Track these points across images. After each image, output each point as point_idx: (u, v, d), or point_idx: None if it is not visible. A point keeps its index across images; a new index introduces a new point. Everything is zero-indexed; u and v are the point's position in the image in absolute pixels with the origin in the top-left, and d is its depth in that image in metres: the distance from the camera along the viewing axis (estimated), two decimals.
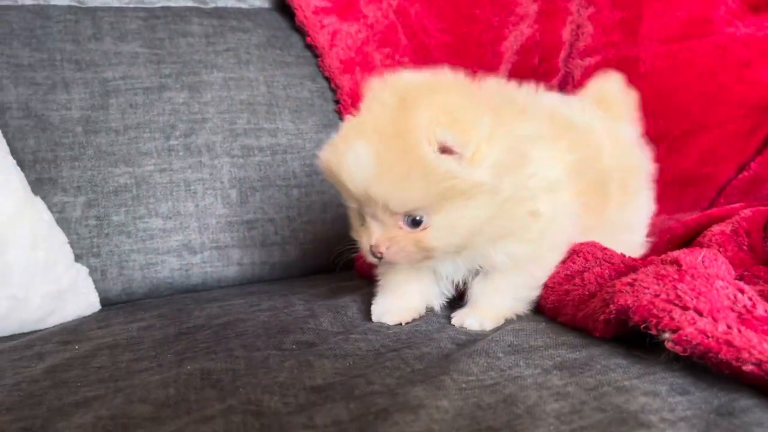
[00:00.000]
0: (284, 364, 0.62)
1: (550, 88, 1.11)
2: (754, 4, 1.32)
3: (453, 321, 0.76)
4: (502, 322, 0.75)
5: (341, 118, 1.24)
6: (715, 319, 0.53)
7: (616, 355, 0.59)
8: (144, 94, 1.15)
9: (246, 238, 1.13)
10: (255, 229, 1.14)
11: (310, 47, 1.33)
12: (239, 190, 1.15)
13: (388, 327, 0.75)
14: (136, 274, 1.07)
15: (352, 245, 0.76)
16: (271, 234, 1.15)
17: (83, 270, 1.01)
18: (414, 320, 0.77)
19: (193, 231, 1.11)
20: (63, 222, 1.03)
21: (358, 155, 0.66)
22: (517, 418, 0.49)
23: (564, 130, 0.82)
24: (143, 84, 1.15)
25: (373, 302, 0.80)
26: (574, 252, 0.79)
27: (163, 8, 1.27)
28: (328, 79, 1.31)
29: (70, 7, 1.20)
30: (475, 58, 1.41)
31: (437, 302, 0.81)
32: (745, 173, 1.26)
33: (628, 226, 0.95)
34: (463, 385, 0.55)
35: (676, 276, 0.61)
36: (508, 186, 0.68)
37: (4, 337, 0.87)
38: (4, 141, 0.98)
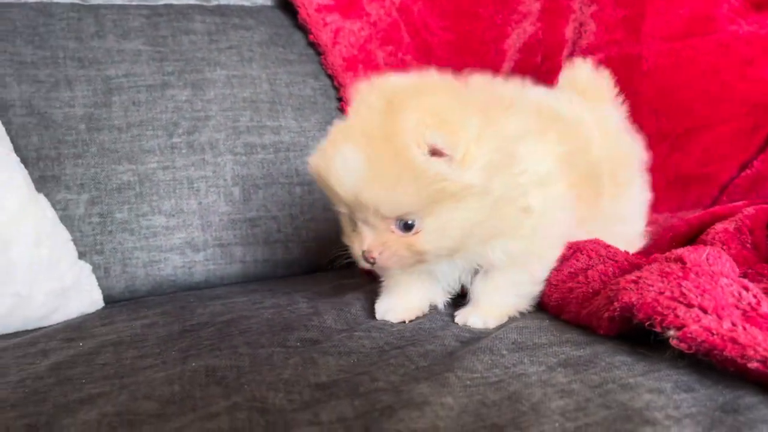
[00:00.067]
0: (288, 361, 0.63)
1: (552, 86, 1.10)
2: (756, 3, 1.32)
3: (456, 319, 0.76)
4: (505, 320, 0.75)
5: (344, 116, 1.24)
6: (719, 317, 0.53)
7: (620, 353, 0.59)
8: (147, 91, 1.15)
9: (249, 236, 1.13)
10: (258, 227, 1.14)
11: (313, 45, 1.33)
12: (242, 188, 1.15)
13: (392, 325, 0.75)
14: (139, 271, 1.07)
15: (344, 251, 0.75)
16: (274, 232, 1.15)
17: (87, 267, 1.01)
18: (417, 318, 0.77)
19: (196, 228, 1.11)
20: (66, 219, 1.03)
21: (347, 160, 0.66)
22: (522, 415, 0.49)
23: (552, 122, 0.81)
24: (146, 82, 1.15)
25: (376, 301, 0.80)
26: (578, 250, 0.79)
27: (165, 6, 1.27)
28: (330, 77, 1.31)
29: (72, 5, 1.20)
30: (478, 56, 1.41)
31: (440, 300, 0.81)
32: (748, 171, 1.26)
33: (622, 218, 0.94)
34: (468, 383, 0.55)
35: (680, 273, 0.61)
36: (499, 186, 0.67)
37: (8, 334, 0.87)
38: (7, 138, 0.98)
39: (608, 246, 0.81)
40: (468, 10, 1.42)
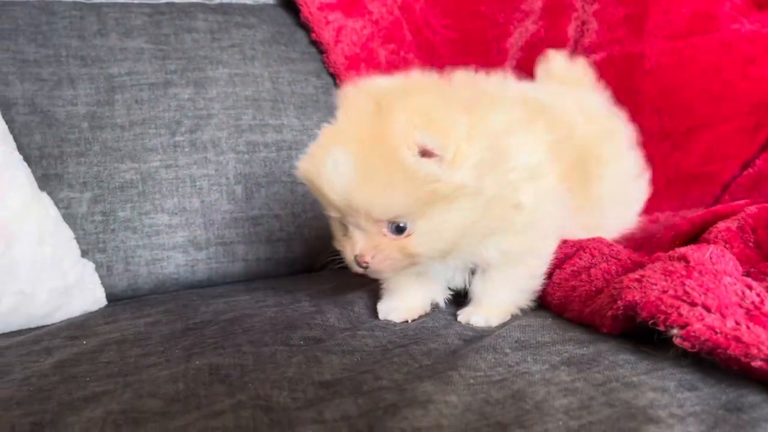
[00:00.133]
0: (292, 359, 0.63)
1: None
2: (759, 1, 1.32)
3: (459, 318, 0.76)
4: (508, 317, 0.75)
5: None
6: (723, 316, 0.53)
7: (623, 351, 0.59)
8: (149, 90, 1.15)
9: (251, 234, 1.14)
10: (260, 225, 1.14)
11: (315, 43, 1.33)
12: (244, 186, 1.15)
13: (395, 324, 0.75)
14: (142, 269, 1.07)
15: (336, 255, 0.74)
16: (277, 230, 1.15)
17: (89, 265, 1.01)
18: (420, 318, 0.78)
19: (199, 227, 1.11)
20: (69, 218, 1.03)
21: (337, 164, 0.65)
22: (525, 414, 0.49)
23: (538, 112, 0.81)
24: (149, 80, 1.15)
25: (379, 301, 0.80)
26: (581, 248, 0.79)
27: (168, 4, 1.27)
28: (333, 76, 1.31)
29: (75, 3, 1.21)
30: (480, 54, 1.41)
31: (441, 298, 0.81)
32: (750, 170, 1.26)
33: (612, 196, 0.92)
34: (471, 381, 0.55)
35: (684, 272, 0.61)
36: (491, 186, 0.67)
37: (11, 332, 0.87)
38: (10, 137, 0.99)
39: (611, 244, 0.81)
40: (470, 9, 1.42)
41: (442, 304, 0.81)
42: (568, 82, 1.01)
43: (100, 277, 1.02)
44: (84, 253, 1.02)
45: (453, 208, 0.66)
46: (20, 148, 1.00)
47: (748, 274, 0.76)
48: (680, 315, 0.54)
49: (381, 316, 0.77)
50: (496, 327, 0.72)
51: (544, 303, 0.78)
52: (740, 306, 0.55)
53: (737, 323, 0.52)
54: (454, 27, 1.41)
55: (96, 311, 0.96)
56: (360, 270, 0.70)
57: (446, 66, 0.79)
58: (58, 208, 1.01)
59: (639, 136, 1.05)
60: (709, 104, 1.30)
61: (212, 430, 0.49)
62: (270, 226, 1.15)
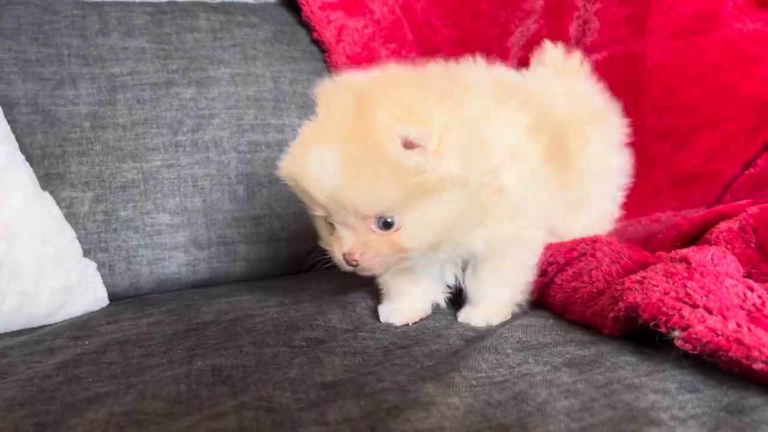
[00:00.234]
0: (294, 360, 0.63)
1: None
2: (761, 0, 1.32)
3: (459, 319, 0.76)
4: (508, 316, 0.75)
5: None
6: (724, 317, 0.53)
7: (625, 353, 0.59)
8: (151, 89, 1.15)
9: (253, 234, 1.14)
10: (262, 225, 1.14)
11: (317, 43, 1.33)
12: (246, 186, 1.15)
13: (396, 326, 0.75)
14: (144, 269, 1.07)
15: (325, 255, 0.73)
16: (278, 230, 1.15)
17: (91, 265, 1.01)
18: (421, 320, 0.78)
19: (201, 227, 1.11)
20: (71, 217, 1.03)
21: (321, 161, 0.64)
22: (527, 416, 0.49)
23: (511, 91, 0.80)
24: (150, 79, 1.15)
25: (379, 305, 0.80)
26: (583, 253, 0.79)
27: (169, 3, 1.27)
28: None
29: (76, 2, 1.21)
30: (481, 53, 1.41)
31: (443, 298, 0.81)
32: (752, 170, 1.26)
33: (591, 176, 0.90)
34: (473, 382, 0.56)
35: (685, 274, 0.61)
36: (476, 173, 0.66)
37: (14, 331, 0.88)
38: (12, 137, 0.99)
39: (611, 243, 0.81)
40: (471, 8, 1.42)
41: (442, 303, 0.81)
42: (563, 72, 1.01)
43: (102, 276, 1.02)
44: (86, 253, 1.02)
45: (440, 200, 0.65)
46: (22, 148, 1.00)
47: (749, 275, 0.76)
48: (682, 317, 0.55)
49: (382, 319, 0.77)
50: (497, 326, 0.72)
51: (545, 304, 0.78)
52: (742, 308, 0.55)
53: (738, 325, 0.52)
54: (456, 26, 1.41)
55: (98, 311, 0.96)
56: (349, 269, 0.69)
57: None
58: (60, 207, 1.01)
59: (640, 136, 1.06)
60: (711, 103, 1.30)
61: None
62: (272, 225, 1.15)
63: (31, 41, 1.12)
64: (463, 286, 0.78)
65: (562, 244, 0.81)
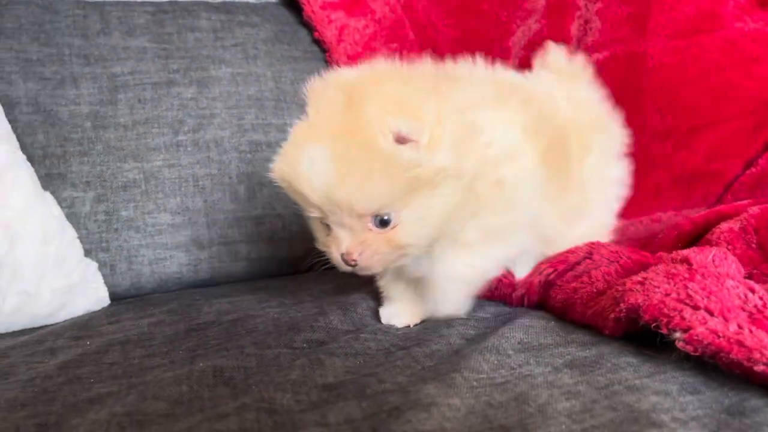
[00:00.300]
0: (295, 362, 0.63)
1: None
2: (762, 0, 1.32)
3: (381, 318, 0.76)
4: (462, 307, 0.73)
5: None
6: (726, 319, 0.53)
7: (626, 354, 0.59)
8: (152, 89, 1.15)
9: (254, 234, 1.14)
10: (263, 225, 1.14)
11: (318, 42, 1.33)
12: (247, 186, 1.15)
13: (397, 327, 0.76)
14: (145, 269, 1.07)
15: (321, 256, 0.72)
16: (279, 230, 1.15)
17: (93, 265, 1.02)
18: (423, 321, 0.77)
19: (202, 226, 1.11)
20: (72, 217, 1.03)
21: (314, 160, 0.63)
22: (528, 417, 0.49)
23: (511, 92, 0.79)
24: (152, 79, 1.15)
25: (380, 307, 0.79)
26: (583, 255, 0.79)
27: (170, 3, 1.27)
28: None
29: (78, 2, 1.21)
30: (483, 53, 1.40)
31: None
32: (753, 169, 1.25)
33: (591, 185, 0.89)
34: (474, 383, 0.55)
35: (686, 275, 0.61)
36: (470, 165, 0.65)
37: (15, 331, 0.88)
38: (14, 136, 0.99)
39: (609, 246, 0.81)
40: (472, 7, 1.42)
41: None
42: (565, 75, 0.99)
43: (103, 276, 1.02)
44: (87, 253, 1.02)
45: (436, 194, 0.64)
46: (23, 148, 1.00)
47: (750, 275, 0.76)
48: (683, 318, 0.55)
49: (384, 321, 0.77)
50: (498, 326, 0.71)
51: (546, 305, 0.78)
52: (743, 309, 0.55)
53: (740, 327, 0.52)
54: (457, 26, 1.41)
55: (99, 311, 0.96)
56: (348, 269, 0.68)
57: None
58: (62, 207, 1.01)
59: (641, 135, 1.05)
60: (712, 103, 1.30)
61: None
62: (273, 225, 1.15)
63: (32, 41, 1.12)
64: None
65: (559, 254, 0.81)
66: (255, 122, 1.18)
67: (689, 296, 0.57)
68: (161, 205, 1.09)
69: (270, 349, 0.67)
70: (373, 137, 0.62)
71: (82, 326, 0.84)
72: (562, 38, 1.40)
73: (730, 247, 0.83)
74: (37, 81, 1.10)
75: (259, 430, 0.49)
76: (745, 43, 1.30)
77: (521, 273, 0.83)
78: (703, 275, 0.61)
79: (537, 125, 0.76)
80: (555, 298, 0.76)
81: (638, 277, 0.64)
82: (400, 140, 0.62)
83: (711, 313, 0.54)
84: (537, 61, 1.05)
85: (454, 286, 0.73)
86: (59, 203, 1.01)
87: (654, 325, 0.56)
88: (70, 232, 0.99)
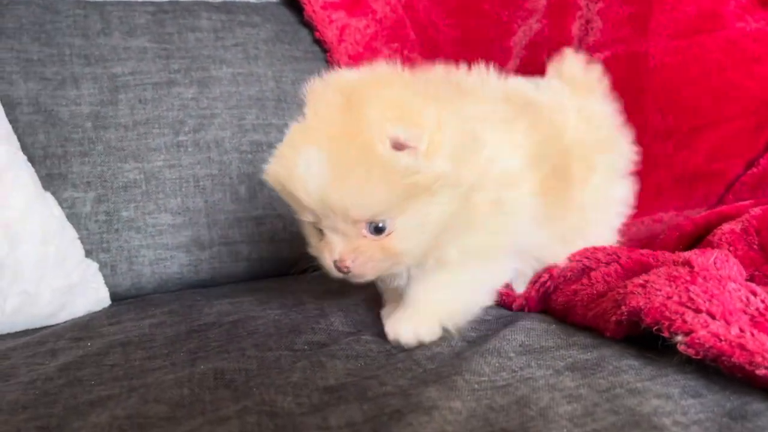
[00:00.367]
0: (296, 364, 0.63)
1: None
2: None
3: (386, 329, 0.69)
4: (438, 333, 0.69)
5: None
6: (727, 322, 0.53)
7: (627, 357, 0.59)
8: (153, 89, 1.15)
9: (255, 234, 1.14)
10: (264, 225, 1.14)
11: (319, 42, 1.33)
12: (248, 186, 1.15)
13: None
14: (146, 269, 1.07)
15: (313, 262, 0.71)
16: (280, 230, 1.15)
17: (93, 265, 1.01)
18: None
19: (202, 227, 1.11)
20: (73, 217, 1.03)
21: (310, 163, 0.61)
22: (530, 420, 0.49)
23: (522, 110, 0.77)
24: (152, 79, 1.15)
25: (382, 309, 0.78)
26: (580, 260, 0.79)
27: (171, 2, 1.27)
28: None
29: (78, 2, 1.20)
30: (484, 53, 1.39)
31: None
32: (754, 169, 1.25)
33: (595, 205, 0.87)
34: (476, 386, 0.55)
35: (688, 278, 0.61)
36: (469, 174, 0.64)
37: (16, 332, 0.88)
38: (14, 136, 0.99)
39: (606, 248, 0.81)
40: (473, 7, 1.42)
41: None
42: (578, 84, 0.97)
43: (104, 276, 1.02)
44: (88, 253, 1.02)
45: (434, 201, 0.63)
46: (24, 148, 1.00)
47: (752, 277, 0.76)
48: (685, 322, 0.54)
49: (385, 322, 0.76)
50: (500, 328, 0.70)
51: (547, 308, 0.78)
52: (745, 312, 0.55)
53: (742, 330, 0.52)
54: (458, 25, 1.41)
55: (100, 311, 0.96)
56: (340, 275, 0.66)
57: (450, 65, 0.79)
58: (62, 207, 1.01)
59: (643, 136, 1.05)
60: (714, 103, 1.30)
61: None
62: (273, 225, 1.15)
63: (32, 41, 1.12)
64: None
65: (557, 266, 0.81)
66: (256, 122, 1.18)
67: (691, 299, 0.57)
68: (162, 206, 1.09)
69: (271, 352, 0.67)
70: (372, 142, 0.60)
71: (83, 327, 0.84)
72: (564, 38, 1.40)
73: (731, 248, 0.83)
74: (38, 81, 1.09)
75: None
76: (747, 43, 1.30)
77: (520, 290, 0.82)
78: (704, 278, 0.61)
79: (542, 151, 0.74)
80: (556, 300, 0.76)
81: (639, 280, 0.64)
82: (398, 146, 0.61)
83: (713, 317, 0.54)
84: (551, 67, 1.03)
85: (436, 318, 0.69)
86: (60, 203, 1.01)
87: (655, 328, 0.56)
88: (71, 233, 0.99)
